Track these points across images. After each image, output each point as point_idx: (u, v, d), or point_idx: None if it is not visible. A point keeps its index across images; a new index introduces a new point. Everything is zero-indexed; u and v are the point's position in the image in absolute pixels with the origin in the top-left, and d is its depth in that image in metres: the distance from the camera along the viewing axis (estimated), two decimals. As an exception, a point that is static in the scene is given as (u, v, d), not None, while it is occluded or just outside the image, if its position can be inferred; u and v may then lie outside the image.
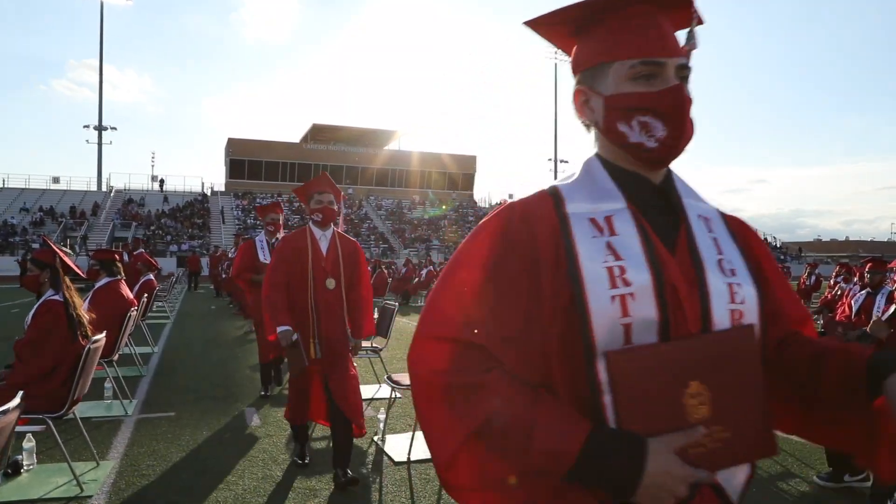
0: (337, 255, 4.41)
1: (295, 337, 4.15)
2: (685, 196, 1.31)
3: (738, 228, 1.36)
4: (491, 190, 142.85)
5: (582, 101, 1.32)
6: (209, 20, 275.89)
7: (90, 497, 3.99)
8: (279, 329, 4.13)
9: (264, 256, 6.64)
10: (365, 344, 6.37)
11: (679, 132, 1.20)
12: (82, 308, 4.61)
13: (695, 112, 1.22)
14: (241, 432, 5.46)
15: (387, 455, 4.86)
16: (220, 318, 14.67)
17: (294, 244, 4.38)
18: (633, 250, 1.18)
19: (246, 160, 57.85)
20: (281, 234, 6.85)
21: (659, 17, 1.23)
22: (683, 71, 1.23)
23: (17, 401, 2.51)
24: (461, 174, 63.49)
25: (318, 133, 60.20)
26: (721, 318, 1.19)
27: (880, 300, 6.53)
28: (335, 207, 4.44)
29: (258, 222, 47.24)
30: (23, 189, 49.49)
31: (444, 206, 56.15)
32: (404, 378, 5.07)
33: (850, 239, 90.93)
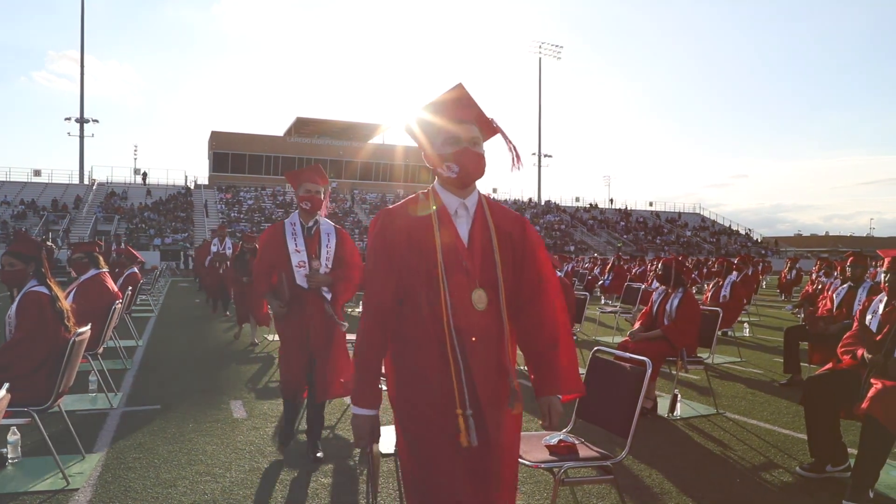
0: (490, 243, 2.31)
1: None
2: None
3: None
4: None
5: None
6: (192, 11, 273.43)
7: (76, 490, 3.97)
8: (357, 411, 2.31)
9: (296, 246, 4.54)
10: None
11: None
12: (65, 300, 4.57)
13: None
14: (228, 424, 5.44)
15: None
16: (205, 311, 14.59)
17: (406, 227, 2.30)
18: None
19: (229, 153, 57.49)
20: (323, 214, 4.78)
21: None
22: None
23: (2, 392, 2.50)
24: (446, 168, 63.37)
25: (302, 126, 59.93)
26: None
27: (861, 294, 6.63)
28: (481, 149, 2.36)
29: (242, 216, 46.99)
30: (3, 182, 48.86)
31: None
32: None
33: (830, 234, 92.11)
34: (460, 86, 2.38)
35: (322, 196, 4.64)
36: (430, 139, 2.37)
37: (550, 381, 2.38)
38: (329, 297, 4.57)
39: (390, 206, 2.38)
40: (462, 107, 2.35)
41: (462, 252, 2.28)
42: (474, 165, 2.30)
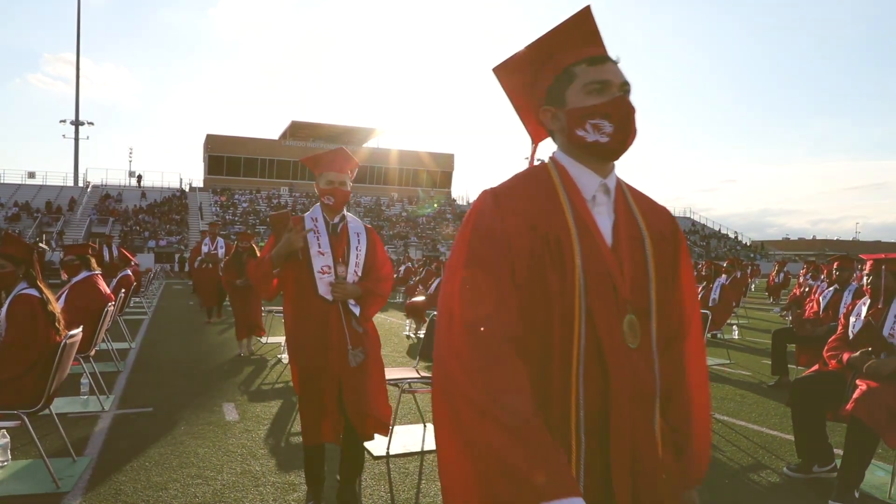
0: (641, 246, 1.50)
1: None
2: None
3: None
4: (469, 188, 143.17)
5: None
6: (188, 14, 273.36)
7: (66, 493, 3.98)
8: None
9: (320, 247, 3.54)
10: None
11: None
12: (55, 303, 4.56)
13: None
14: (220, 427, 5.45)
15: (366, 450, 4.88)
16: (198, 313, 14.57)
17: (528, 216, 1.43)
18: None
19: (225, 156, 57.41)
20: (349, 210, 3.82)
21: None
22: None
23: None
24: (440, 172, 63.50)
25: (297, 130, 59.89)
26: None
27: (847, 296, 6.70)
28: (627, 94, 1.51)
29: (237, 219, 46.91)
30: (-3, 184, 48.73)
31: (434, 205, 56.44)
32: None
33: (817, 238, 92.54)
34: (588, 10, 1.52)
35: (349, 187, 3.61)
36: (556, 89, 1.52)
37: (687, 470, 1.53)
38: (357, 311, 3.63)
39: (496, 186, 1.52)
40: (601, 40, 1.55)
41: (608, 258, 1.44)
42: (634, 122, 1.49)
